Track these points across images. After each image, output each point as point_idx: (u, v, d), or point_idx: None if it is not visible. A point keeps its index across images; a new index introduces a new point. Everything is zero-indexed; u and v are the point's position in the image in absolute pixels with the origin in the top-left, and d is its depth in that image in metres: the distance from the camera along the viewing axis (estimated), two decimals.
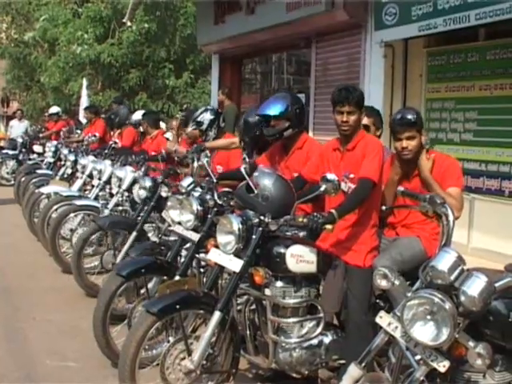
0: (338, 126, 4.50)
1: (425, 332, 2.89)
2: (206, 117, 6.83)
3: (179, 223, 5.21)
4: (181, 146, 7.88)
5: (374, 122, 5.42)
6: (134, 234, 6.59)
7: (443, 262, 2.94)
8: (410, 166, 4.63)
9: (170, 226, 5.74)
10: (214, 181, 5.30)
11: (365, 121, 5.17)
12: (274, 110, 5.17)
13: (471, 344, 2.83)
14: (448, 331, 2.81)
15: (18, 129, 20.09)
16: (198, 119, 6.86)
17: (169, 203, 5.62)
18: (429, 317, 2.90)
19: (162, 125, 10.71)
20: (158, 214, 6.77)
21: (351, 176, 4.40)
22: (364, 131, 4.68)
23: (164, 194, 6.26)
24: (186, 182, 5.74)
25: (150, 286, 5.25)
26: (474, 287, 2.83)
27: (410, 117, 4.55)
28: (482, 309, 2.85)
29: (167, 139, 8.75)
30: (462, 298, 2.84)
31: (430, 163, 4.56)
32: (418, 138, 4.52)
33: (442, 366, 2.87)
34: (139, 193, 6.86)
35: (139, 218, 6.78)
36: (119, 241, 6.89)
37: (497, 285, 2.93)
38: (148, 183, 6.77)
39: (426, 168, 4.55)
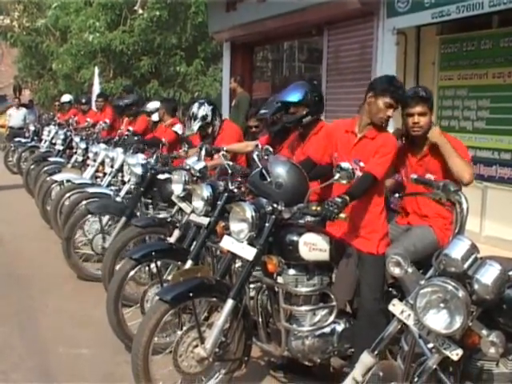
0: (378, 116, 4.42)
1: (438, 320, 2.89)
2: (207, 109, 6.85)
3: (192, 211, 5.27)
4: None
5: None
6: (124, 218, 6.80)
7: (457, 250, 2.93)
8: (419, 146, 4.62)
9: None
10: (230, 171, 5.33)
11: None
12: (294, 96, 5.32)
13: (484, 332, 2.82)
14: (461, 319, 2.81)
15: (16, 117, 20.30)
16: (201, 114, 6.86)
17: (174, 177, 5.80)
18: (442, 305, 2.90)
19: None
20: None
21: (361, 164, 4.38)
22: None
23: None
24: (192, 160, 5.86)
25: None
26: (488, 275, 2.82)
27: (422, 92, 4.55)
28: (496, 297, 2.85)
29: (175, 132, 8.74)
30: (476, 287, 2.84)
31: (438, 128, 4.56)
32: (428, 116, 4.51)
33: (455, 354, 2.87)
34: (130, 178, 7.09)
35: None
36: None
37: (510, 273, 2.92)
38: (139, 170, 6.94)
39: (437, 132, 4.53)
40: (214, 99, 16.14)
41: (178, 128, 8.89)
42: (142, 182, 6.92)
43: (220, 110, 7.70)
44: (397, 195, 4.60)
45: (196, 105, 7.00)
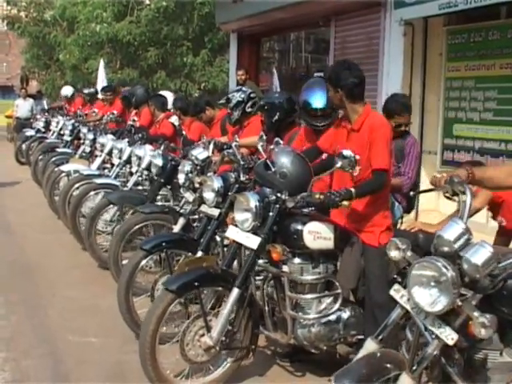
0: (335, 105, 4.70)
1: (424, 296, 2.91)
2: (236, 96, 6.78)
3: (203, 202, 5.29)
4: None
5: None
6: None
7: (450, 231, 2.96)
8: None
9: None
10: (241, 163, 5.28)
11: None
12: (320, 102, 5.34)
13: (475, 314, 2.82)
14: (447, 298, 2.82)
15: (23, 108, 20.30)
16: (229, 96, 6.87)
17: (180, 167, 5.88)
18: (433, 283, 2.92)
19: None
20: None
21: (357, 157, 4.35)
22: (369, 106, 4.57)
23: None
24: (197, 151, 5.89)
25: None
26: (478, 256, 2.83)
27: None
28: (486, 278, 2.87)
29: (172, 124, 8.77)
30: (465, 266, 2.85)
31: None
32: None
33: (450, 338, 2.88)
34: (152, 170, 7.06)
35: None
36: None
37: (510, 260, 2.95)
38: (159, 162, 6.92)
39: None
40: (220, 90, 16.19)
41: (175, 120, 8.92)
42: (163, 173, 6.91)
43: None
44: (411, 193, 4.68)
45: (237, 88, 7.12)
